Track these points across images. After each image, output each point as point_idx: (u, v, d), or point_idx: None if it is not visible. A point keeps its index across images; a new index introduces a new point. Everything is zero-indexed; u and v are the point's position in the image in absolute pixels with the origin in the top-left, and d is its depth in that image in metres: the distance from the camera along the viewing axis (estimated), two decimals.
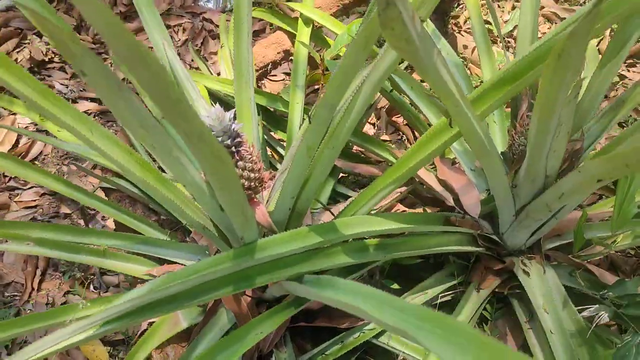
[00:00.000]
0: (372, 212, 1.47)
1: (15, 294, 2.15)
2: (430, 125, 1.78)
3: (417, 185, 1.74)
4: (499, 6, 3.07)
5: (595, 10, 0.74)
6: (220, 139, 1.11)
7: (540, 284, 1.48)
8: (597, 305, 1.36)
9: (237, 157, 1.16)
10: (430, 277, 1.57)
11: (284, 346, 1.43)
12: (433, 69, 0.87)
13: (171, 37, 3.21)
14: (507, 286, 1.52)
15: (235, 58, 1.39)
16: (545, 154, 1.18)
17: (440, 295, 1.55)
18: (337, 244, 1.29)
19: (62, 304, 2.08)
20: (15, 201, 2.46)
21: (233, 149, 1.14)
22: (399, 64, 1.08)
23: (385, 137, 2.46)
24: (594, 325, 1.35)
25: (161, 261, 1.55)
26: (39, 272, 2.20)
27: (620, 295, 1.40)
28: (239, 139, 1.14)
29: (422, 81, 2.56)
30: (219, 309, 1.44)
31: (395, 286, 1.51)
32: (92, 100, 2.88)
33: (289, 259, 1.22)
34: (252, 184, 1.21)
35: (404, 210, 1.75)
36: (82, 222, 2.13)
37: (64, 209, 2.31)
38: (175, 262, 1.52)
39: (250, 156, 1.19)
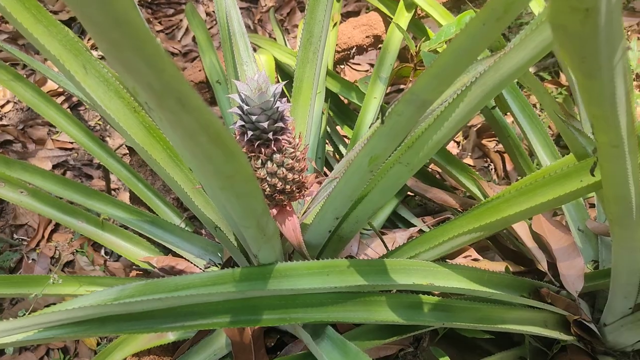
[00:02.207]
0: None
1: (25, 238, 1.96)
2: (534, 159, 1.39)
3: (502, 230, 1.37)
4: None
5: None
6: (254, 118, 0.80)
7: None
8: None
9: (274, 148, 0.84)
10: (494, 355, 1.20)
11: None
12: (608, 76, 0.51)
13: (257, 1, 2.95)
14: None
15: (307, 19, 1.07)
16: None
17: None
18: (382, 293, 0.95)
19: (66, 263, 1.87)
20: (52, 139, 2.28)
21: (270, 135, 0.82)
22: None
23: (468, 160, 2.08)
24: None
25: (167, 250, 1.27)
26: (53, 221, 2.01)
27: None
28: (281, 124, 0.83)
29: (533, 106, 2.14)
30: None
31: (446, 359, 1.15)
32: None
33: (313, 298, 0.90)
34: (288, 187, 0.89)
35: (475, 259, 1.37)
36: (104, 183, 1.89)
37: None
38: (181, 256, 1.23)
39: (292, 150, 0.87)
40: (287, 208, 0.93)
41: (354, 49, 1.99)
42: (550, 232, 1.27)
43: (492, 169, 2.05)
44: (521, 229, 1.28)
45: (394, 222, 1.54)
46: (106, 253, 1.88)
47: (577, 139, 0.81)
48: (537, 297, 1.10)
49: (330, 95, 1.67)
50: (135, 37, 0.33)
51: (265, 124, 0.80)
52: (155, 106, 0.41)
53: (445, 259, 1.40)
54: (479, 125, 2.15)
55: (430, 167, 1.66)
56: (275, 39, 2.06)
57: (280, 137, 0.84)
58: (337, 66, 2.13)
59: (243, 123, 0.82)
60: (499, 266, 1.33)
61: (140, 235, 1.27)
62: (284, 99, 0.83)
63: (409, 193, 1.64)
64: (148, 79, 0.36)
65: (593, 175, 0.73)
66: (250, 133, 0.82)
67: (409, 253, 1.01)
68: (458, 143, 2.17)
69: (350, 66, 2.43)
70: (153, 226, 1.25)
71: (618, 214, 0.78)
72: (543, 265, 1.21)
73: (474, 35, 0.55)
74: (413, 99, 0.61)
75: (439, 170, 1.72)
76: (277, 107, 0.81)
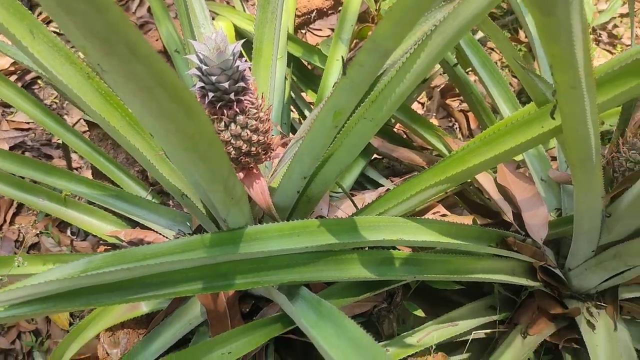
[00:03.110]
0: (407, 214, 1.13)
1: None
2: (497, 116, 1.41)
3: (465, 185, 1.39)
4: None
5: None
6: (214, 78, 0.78)
7: (607, 343, 1.13)
8: None
9: (236, 109, 0.83)
10: (465, 306, 1.23)
11: (264, 359, 1.12)
12: (564, 13, 0.51)
13: None
14: (563, 337, 1.17)
15: None
16: None
17: (474, 331, 1.21)
18: (353, 250, 0.96)
19: (31, 245, 1.82)
20: (7, 120, 2.19)
21: (232, 95, 0.81)
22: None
23: (434, 120, 2.09)
24: None
25: (134, 223, 1.25)
26: (15, 204, 1.94)
27: None
28: (242, 84, 0.81)
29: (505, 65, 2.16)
30: (191, 297, 1.13)
31: (419, 313, 1.18)
32: None
33: (285, 259, 0.90)
34: (253, 149, 0.88)
35: (444, 215, 1.40)
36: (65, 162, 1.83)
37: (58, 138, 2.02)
38: (150, 229, 1.21)
39: (255, 111, 0.86)
40: (254, 171, 0.92)
41: (314, 13, 1.96)
42: (515, 184, 1.29)
43: (456, 128, 2.07)
44: (487, 183, 1.31)
45: (363, 184, 1.55)
46: (72, 233, 1.84)
47: (537, 85, 0.82)
48: (504, 247, 1.12)
49: (292, 60, 1.65)
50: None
51: (226, 84, 0.78)
52: (104, 58, 0.39)
53: (414, 217, 1.43)
54: (442, 86, 2.16)
55: (396, 127, 1.67)
56: (234, 6, 2.01)
57: (242, 98, 0.82)
58: (298, 31, 2.10)
59: (203, 84, 0.80)
60: (467, 220, 1.35)
61: (106, 210, 1.25)
62: (244, 59, 0.81)
63: (376, 156, 1.65)
64: (91, 23, 0.34)
65: (553, 118, 0.74)
66: (211, 94, 0.80)
67: (378, 210, 1.02)
68: (422, 104, 2.18)
69: (311, 31, 2.40)
70: (118, 200, 1.23)
71: (578, 157, 0.80)
72: (509, 216, 1.24)
73: None
74: (374, 48, 0.60)
75: (406, 131, 1.72)
76: (238, 67, 0.79)
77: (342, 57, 0.70)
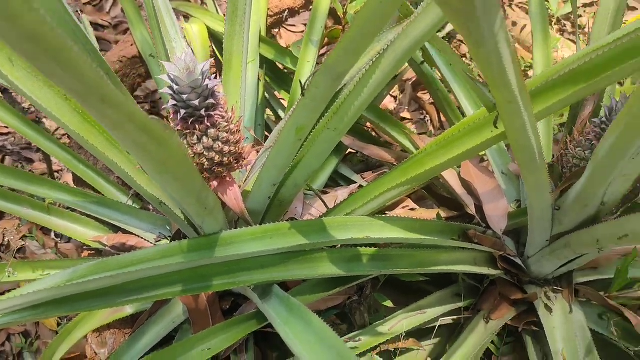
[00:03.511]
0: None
1: None
2: (462, 111, 1.48)
3: (433, 179, 1.46)
4: None
5: None
6: (185, 97, 0.83)
7: (563, 324, 1.22)
8: None
9: (208, 124, 0.88)
10: (432, 295, 1.31)
11: (244, 352, 1.19)
12: (492, 44, 0.58)
13: None
14: (523, 321, 1.26)
15: None
16: (609, 178, 0.89)
17: (441, 317, 1.29)
18: (324, 249, 1.03)
19: (17, 250, 1.86)
20: None
21: (202, 112, 0.86)
22: (438, 31, 0.78)
23: (406, 114, 2.16)
24: None
25: (116, 228, 1.30)
26: None
27: None
28: (212, 100, 0.86)
29: (463, 56, 2.23)
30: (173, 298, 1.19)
31: (388, 303, 1.25)
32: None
33: (259, 261, 0.96)
34: (226, 159, 0.94)
35: (413, 208, 1.47)
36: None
37: None
38: (132, 233, 1.26)
39: (226, 124, 0.92)
40: (227, 179, 0.98)
41: (286, 12, 2.00)
42: (478, 178, 1.37)
43: (428, 121, 2.14)
44: (451, 178, 1.38)
45: (337, 180, 1.62)
46: (57, 235, 1.88)
47: (485, 94, 0.89)
48: (465, 239, 1.20)
49: (265, 62, 1.70)
50: (50, 48, 0.37)
51: (196, 102, 0.84)
52: (81, 103, 0.45)
53: (384, 212, 1.50)
54: (414, 79, 2.23)
55: (366, 125, 1.73)
56: (206, 5, 2.04)
57: (212, 113, 0.88)
58: (272, 30, 2.14)
59: (175, 102, 0.85)
60: (434, 213, 1.43)
61: (89, 216, 1.30)
62: (214, 75, 0.87)
63: (350, 150, 1.72)
64: (69, 85, 0.40)
65: (496, 127, 0.82)
66: (183, 111, 0.85)
67: (346, 210, 1.08)
68: (395, 97, 2.25)
69: (285, 28, 2.44)
70: (100, 206, 1.27)
71: (524, 160, 0.87)
72: (471, 209, 1.32)
73: (374, 11, 0.60)
74: (328, 71, 0.66)
75: (375, 129, 1.79)
76: (207, 85, 0.85)
77: (300, 81, 0.76)
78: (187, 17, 1.87)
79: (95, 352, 1.19)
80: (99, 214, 1.27)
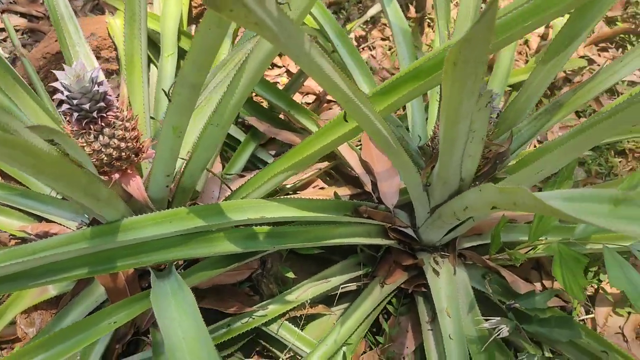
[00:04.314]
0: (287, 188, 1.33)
1: None
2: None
3: (342, 161, 1.60)
4: None
5: (492, 11, 0.58)
6: (76, 101, 0.94)
7: (448, 285, 1.39)
8: (498, 318, 1.28)
9: (102, 124, 0.99)
10: (337, 265, 1.46)
11: None
12: (306, 60, 0.71)
13: None
14: (413, 284, 1.42)
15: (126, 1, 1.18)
16: (459, 158, 1.04)
17: (343, 285, 1.44)
18: (224, 230, 1.15)
19: None
20: None
21: (94, 114, 0.97)
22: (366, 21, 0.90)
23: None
24: (492, 338, 1.27)
25: (41, 218, 1.40)
26: None
27: (529, 308, 1.32)
28: (102, 104, 0.97)
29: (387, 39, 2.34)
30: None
31: (291, 275, 1.40)
32: (22, 15, 2.62)
33: (160, 242, 1.08)
34: (124, 154, 1.05)
35: (322, 187, 1.61)
36: None
37: None
38: (55, 222, 1.37)
39: (120, 122, 1.03)
40: (129, 171, 1.09)
41: None
42: (377, 158, 1.52)
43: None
44: (352, 158, 1.53)
45: (256, 164, 1.74)
46: None
47: None
48: (357, 214, 1.35)
49: (185, 54, 1.79)
50: None
51: (87, 106, 0.95)
52: None
53: (297, 191, 1.64)
54: None
55: (282, 114, 1.85)
56: None
57: (105, 114, 0.99)
58: (197, 20, 2.22)
59: (68, 106, 0.96)
60: (340, 191, 1.58)
61: (14, 208, 1.39)
62: (105, 81, 0.97)
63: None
64: None
65: (346, 121, 0.95)
66: (76, 114, 0.96)
67: (243, 193, 1.21)
68: None
69: None
70: (24, 198, 1.37)
71: (381, 144, 1.01)
72: (368, 187, 1.47)
73: (208, 34, 0.72)
74: (184, 82, 0.78)
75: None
76: (97, 90, 0.95)
77: (163, 90, 0.87)
78: (112, 12, 1.95)
79: (25, 332, 1.30)
80: (24, 205, 1.36)
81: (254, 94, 1.83)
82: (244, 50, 0.96)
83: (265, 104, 1.83)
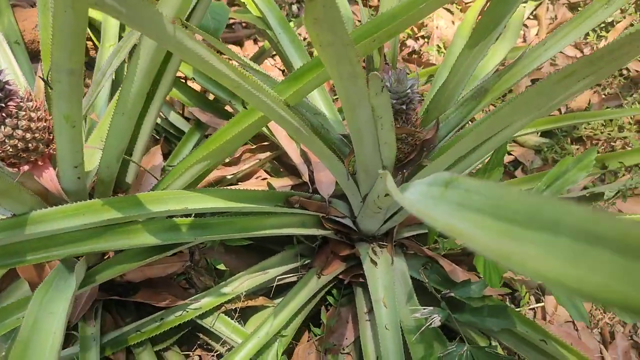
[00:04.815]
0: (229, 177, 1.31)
1: None
2: None
3: (284, 151, 1.58)
4: None
5: None
6: None
7: (385, 275, 1.37)
8: (431, 308, 1.26)
9: (2, 114, 0.97)
10: (276, 256, 1.45)
11: (93, 319, 1.30)
12: (173, 43, 0.68)
13: None
14: (349, 274, 1.40)
15: None
16: (373, 146, 1.02)
17: (280, 277, 1.42)
18: (143, 221, 1.13)
19: None
20: None
21: None
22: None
23: None
24: (423, 328, 1.25)
25: None
26: None
27: (464, 297, 1.30)
28: (0, 94, 0.95)
29: None
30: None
31: (222, 266, 1.38)
32: None
33: (74, 235, 1.06)
34: (31, 145, 1.03)
35: (264, 178, 1.59)
36: None
37: None
38: None
39: (25, 113, 1.00)
40: (39, 163, 1.07)
41: None
42: None
43: None
44: (291, 150, 1.50)
45: None
46: None
47: None
48: (289, 205, 1.33)
49: None
50: None
51: None
52: None
53: (240, 181, 1.62)
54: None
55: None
56: None
57: (4, 105, 0.96)
58: None
59: None
60: (282, 181, 1.56)
61: None
62: (8, 71, 0.95)
63: None
64: None
65: (245, 107, 0.93)
66: None
67: (164, 185, 1.19)
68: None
69: None
70: None
71: (290, 131, 0.99)
72: (305, 177, 1.44)
73: (64, 20, 0.70)
74: (59, 69, 0.76)
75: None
76: None
77: (41, 77, 0.85)
78: None
79: None
80: None
81: (199, 87, 1.80)
82: (135, 35, 0.93)
83: (212, 96, 1.81)
